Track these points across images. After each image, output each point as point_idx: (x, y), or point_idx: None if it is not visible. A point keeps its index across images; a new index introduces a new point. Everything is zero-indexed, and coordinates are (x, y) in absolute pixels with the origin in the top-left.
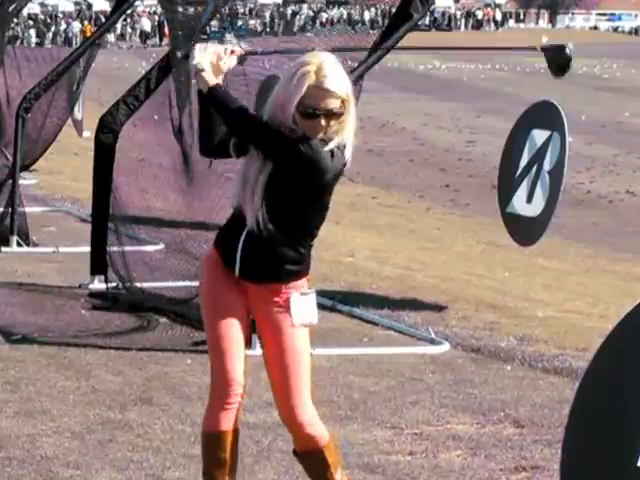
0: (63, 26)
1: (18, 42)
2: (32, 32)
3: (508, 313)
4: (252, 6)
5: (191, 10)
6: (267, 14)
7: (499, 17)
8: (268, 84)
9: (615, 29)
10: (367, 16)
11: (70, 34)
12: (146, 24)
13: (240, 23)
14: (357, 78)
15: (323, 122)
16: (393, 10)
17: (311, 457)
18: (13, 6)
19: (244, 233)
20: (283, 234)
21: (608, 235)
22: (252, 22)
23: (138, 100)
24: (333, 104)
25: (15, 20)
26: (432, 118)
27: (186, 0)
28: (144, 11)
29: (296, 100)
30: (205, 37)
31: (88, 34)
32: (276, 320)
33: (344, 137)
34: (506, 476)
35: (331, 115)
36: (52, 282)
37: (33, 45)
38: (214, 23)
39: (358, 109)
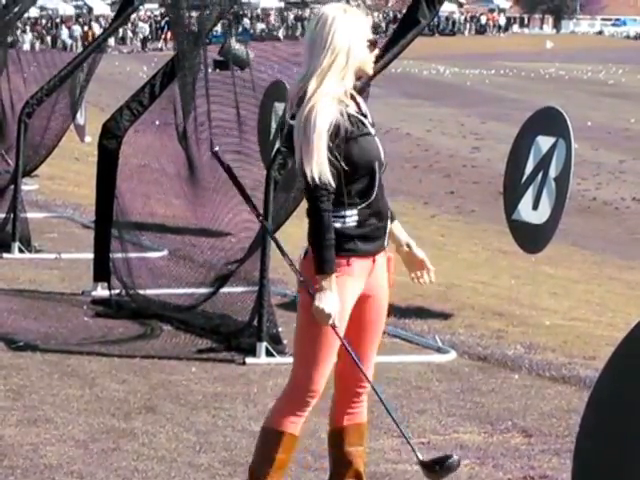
0: (64, 30)
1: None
2: (27, 37)
3: (515, 321)
4: (256, 11)
5: (195, 14)
6: (271, 18)
7: (503, 22)
8: (271, 91)
9: (627, 36)
10: (370, 21)
11: (71, 38)
12: (146, 28)
13: (243, 28)
14: (364, 84)
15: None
16: (397, 15)
17: (355, 430)
18: (16, 9)
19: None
20: None
21: (614, 242)
22: (257, 26)
23: (142, 105)
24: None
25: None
26: (436, 124)
27: (190, 4)
28: (148, 15)
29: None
30: (208, 41)
31: (91, 38)
32: (384, 286)
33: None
34: None
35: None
36: (54, 289)
37: (28, 49)
38: (218, 28)
39: None
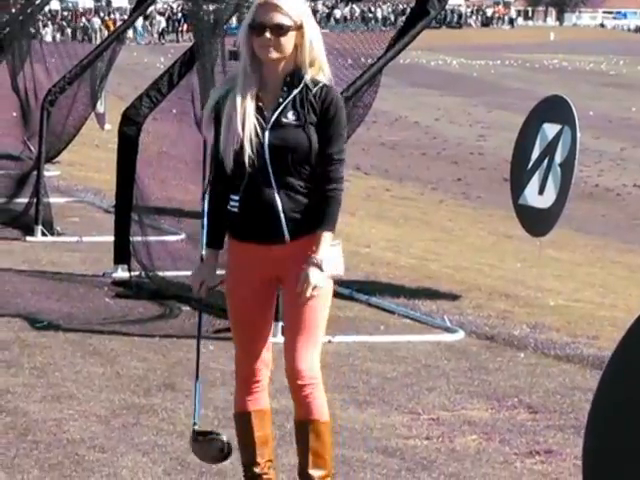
0: (82, 22)
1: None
2: (48, 30)
3: (521, 302)
4: None
5: (213, 7)
6: None
7: (513, 14)
8: None
9: (628, 29)
10: (379, 13)
11: (90, 30)
12: (162, 21)
13: None
14: (375, 73)
15: (268, 35)
16: (406, 8)
17: (305, 427)
18: (38, 1)
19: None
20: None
21: (616, 227)
22: None
23: (161, 94)
24: (279, 19)
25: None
26: (444, 113)
27: None
28: (165, 8)
29: (249, 22)
30: (225, 33)
31: (112, 28)
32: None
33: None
34: (520, 460)
35: (278, 30)
36: (76, 271)
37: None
38: (234, 20)
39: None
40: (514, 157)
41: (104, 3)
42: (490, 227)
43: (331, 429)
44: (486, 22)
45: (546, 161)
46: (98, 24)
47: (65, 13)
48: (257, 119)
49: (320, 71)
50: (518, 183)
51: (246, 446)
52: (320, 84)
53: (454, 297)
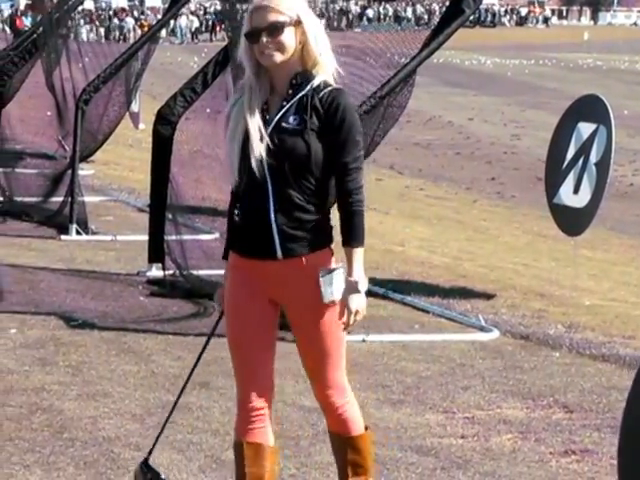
0: (116, 22)
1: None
2: (82, 29)
3: (555, 301)
4: None
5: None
6: (317, 8)
7: (549, 14)
8: None
9: None
10: (410, 13)
11: (125, 30)
12: (195, 21)
13: None
14: (410, 72)
15: (265, 38)
16: (439, 7)
17: (341, 442)
18: (72, 1)
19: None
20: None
21: None
22: None
23: (195, 93)
24: (272, 17)
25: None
26: (477, 112)
27: None
28: (198, 8)
29: (246, 31)
30: None
31: (146, 28)
32: (307, 297)
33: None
34: (556, 459)
35: (273, 30)
36: (111, 269)
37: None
38: None
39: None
40: (549, 156)
41: (137, 2)
42: (524, 226)
43: (369, 438)
44: (520, 21)
45: (581, 160)
46: (132, 23)
47: (99, 12)
48: (260, 125)
49: (329, 72)
50: (553, 182)
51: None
52: (329, 88)
53: (489, 296)
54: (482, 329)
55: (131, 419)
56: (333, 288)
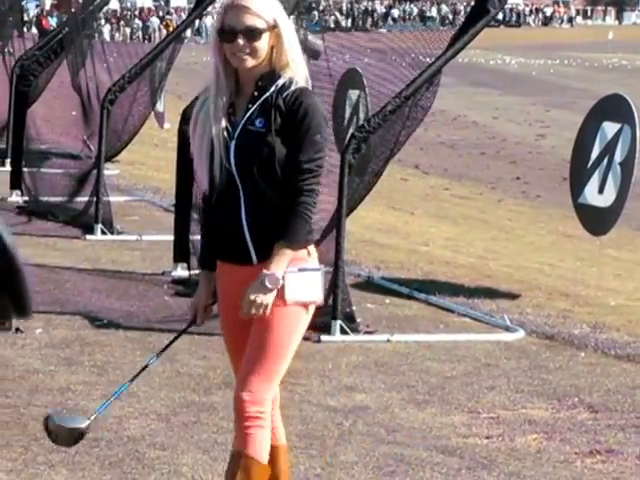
0: (139, 22)
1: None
2: (106, 29)
3: (581, 301)
4: (327, 3)
5: None
6: (343, 7)
7: (573, 13)
8: (345, 79)
9: None
10: (434, 12)
11: (150, 30)
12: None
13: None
14: (435, 72)
15: (241, 41)
16: (464, 7)
17: (237, 460)
18: (97, 2)
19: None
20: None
21: None
22: (327, 18)
23: None
24: (251, 21)
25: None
26: (502, 112)
27: None
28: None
29: (218, 27)
30: None
31: (171, 28)
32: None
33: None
34: (581, 459)
35: (250, 34)
36: (136, 269)
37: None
38: (291, 19)
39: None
40: (574, 156)
41: (162, 2)
42: (549, 226)
43: (264, 470)
44: (545, 21)
45: (606, 160)
46: (157, 23)
47: (125, 12)
48: (227, 129)
49: (296, 71)
50: (578, 182)
51: None
52: (293, 87)
53: (514, 296)
54: (507, 329)
55: (156, 418)
56: (298, 287)
